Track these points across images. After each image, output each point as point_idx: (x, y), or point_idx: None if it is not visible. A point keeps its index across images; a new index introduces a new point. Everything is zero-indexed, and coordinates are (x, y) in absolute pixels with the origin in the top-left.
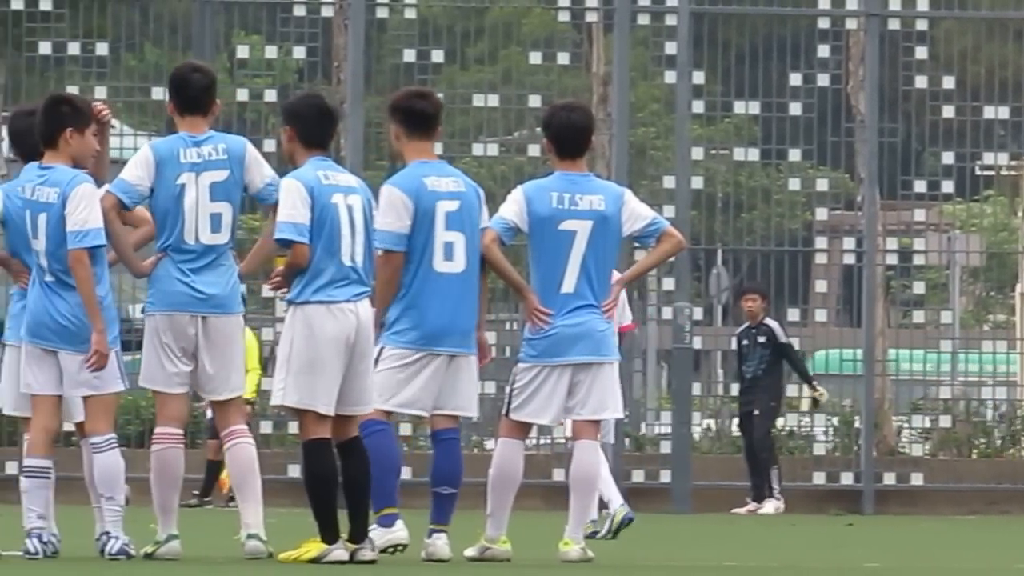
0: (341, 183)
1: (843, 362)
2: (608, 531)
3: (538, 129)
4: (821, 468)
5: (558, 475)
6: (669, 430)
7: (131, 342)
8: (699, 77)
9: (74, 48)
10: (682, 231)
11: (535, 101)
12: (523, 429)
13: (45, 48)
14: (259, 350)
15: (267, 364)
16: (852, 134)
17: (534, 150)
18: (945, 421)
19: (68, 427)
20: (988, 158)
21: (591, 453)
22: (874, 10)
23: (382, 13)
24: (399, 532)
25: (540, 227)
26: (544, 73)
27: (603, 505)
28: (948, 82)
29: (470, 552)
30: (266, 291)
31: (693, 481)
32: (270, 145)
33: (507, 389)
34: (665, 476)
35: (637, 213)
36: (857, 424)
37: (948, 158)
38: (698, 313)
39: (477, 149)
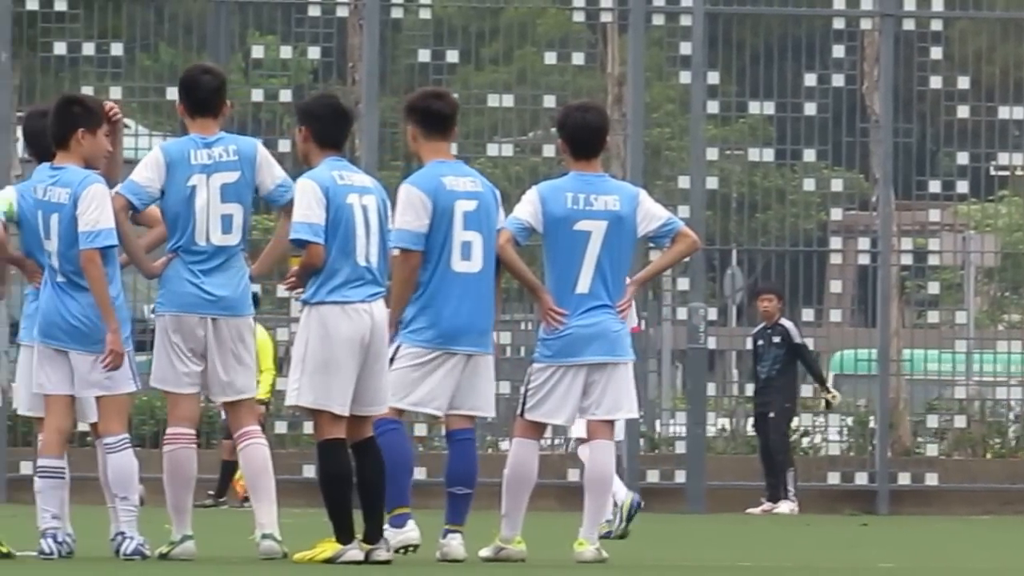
0: (356, 183)
1: (858, 362)
2: (620, 521)
3: (553, 129)
4: (836, 468)
5: (573, 475)
6: (684, 430)
7: (146, 342)
8: (714, 77)
9: (89, 48)
10: (697, 231)
11: (550, 101)
12: (538, 429)
13: (60, 48)
14: (274, 350)
15: (282, 364)
16: (867, 134)
17: (549, 150)
18: (960, 421)
19: (83, 427)
20: (1003, 158)
21: (606, 453)
22: (889, 10)
23: (397, 13)
24: (411, 533)
25: (555, 227)
26: (559, 73)
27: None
28: (963, 82)
29: (485, 552)
30: (281, 291)
31: (708, 481)
32: (285, 145)
33: (522, 389)
34: (680, 476)
35: (652, 213)
36: (872, 424)
37: (963, 158)
38: (713, 313)
39: (492, 149)
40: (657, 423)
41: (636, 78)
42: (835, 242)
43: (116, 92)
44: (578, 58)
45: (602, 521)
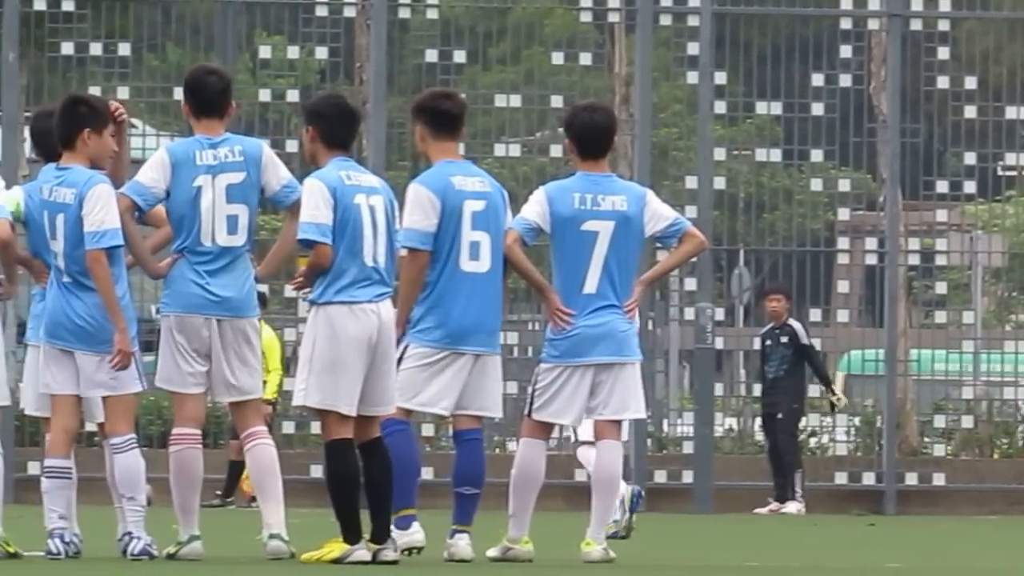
0: (363, 183)
1: (865, 362)
2: (624, 514)
3: (560, 130)
4: (843, 468)
5: (580, 475)
6: (691, 430)
7: (152, 343)
8: (721, 78)
9: (96, 48)
10: (704, 231)
11: (557, 101)
12: (545, 429)
13: (67, 48)
14: (281, 350)
15: (289, 364)
16: (874, 134)
17: (556, 151)
18: (967, 421)
19: (90, 427)
20: (1010, 158)
21: (614, 453)
22: (896, 10)
23: (404, 13)
24: (416, 534)
25: (562, 227)
26: (566, 73)
27: None
28: (970, 82)
29: (492, 552)
30: (289, 291)
31: (715, 481)
32: (292, 145)
33: (529, 389)
34: (687, 476)
35: (659, 213)
36: (879, 424)
37: (970, 158)
38: (720, 313)
39: (499, 150)
40: (664, 423)
41: (643, 78)
42: (842, 242)
43: (123, 92)
44: (585, 58)
45: (609, 521)
